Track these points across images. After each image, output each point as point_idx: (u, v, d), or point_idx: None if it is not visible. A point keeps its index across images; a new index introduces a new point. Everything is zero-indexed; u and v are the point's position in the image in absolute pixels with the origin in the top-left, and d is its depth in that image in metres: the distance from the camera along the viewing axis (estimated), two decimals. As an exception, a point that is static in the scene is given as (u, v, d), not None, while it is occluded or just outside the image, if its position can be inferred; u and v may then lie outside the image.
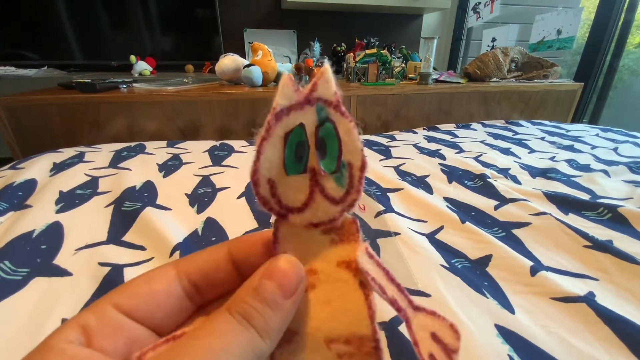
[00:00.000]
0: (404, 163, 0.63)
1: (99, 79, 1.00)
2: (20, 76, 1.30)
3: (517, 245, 0.38)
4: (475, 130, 0.95)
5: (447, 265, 0.34)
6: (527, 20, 1.61)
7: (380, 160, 0.66)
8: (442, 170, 0.59)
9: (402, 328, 0.26)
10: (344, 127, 0.13)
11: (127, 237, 0.37)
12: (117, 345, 0.12)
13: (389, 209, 0.44)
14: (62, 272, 0.32)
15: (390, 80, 1.29)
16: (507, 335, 0.26)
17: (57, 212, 0.41)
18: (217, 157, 0.63)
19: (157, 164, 0.58)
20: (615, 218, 0.43)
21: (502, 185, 0.52)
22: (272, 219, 0.14)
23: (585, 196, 0.51)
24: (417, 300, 0.14)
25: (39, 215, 0.40)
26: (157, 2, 1.55)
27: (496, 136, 0.87)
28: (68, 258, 0.34)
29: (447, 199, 0.50)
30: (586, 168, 0.63)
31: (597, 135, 0.88)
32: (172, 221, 0.40)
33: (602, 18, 1.33)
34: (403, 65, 1.38)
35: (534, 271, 0.32)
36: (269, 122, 0.12)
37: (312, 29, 1.80)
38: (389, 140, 0.81)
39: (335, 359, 0.13)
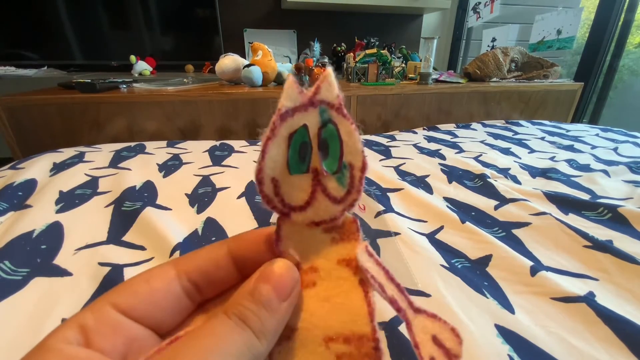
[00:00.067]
0: (404, 163, 0.63)
1: (99, 79, 1.00)
2: (20, 76, 1.30)
3: (517, 245, 0.38)
4: (475, 130, 0.95)
5: (447, 265, 0.34)
6: (527, 20, 1.61)
7: (380, 160, 0.66)
8: (442, 170, 0.59)
9: (402, 328, 0.26)
10: (345, 128, 0.13)
11: (127, 237, 0.37)
12: (116, 345, 0.12)
13: (389, 209, 0.44)
14: (62, 272, 0.32)
15: (390, 80, 1.29)
16: (507, 335, 0.26)
17: (57, 212, 0.41)
18: (217, 157, 0.63)
19: (157, 164, 0.58)
20: (615, 218, 0.43)
21: (502, 185, 0.52)
22: (273, 218, 0.14)
23: (585, 196, 0.51)
24: (417, 300, 0.14)
25: (39, 215, 0.40)
26: (157, 2, 1.55)
27: (496, 136, 0.87)
28: (68, 258, 0.34)
29: (447, 199, 0.50)
30: (586, 168, 0.63)
31: (597, 135, 0.88)
32: (172, 221, 0.40)
33: (602, 18, 1.33)
34: (403, 65, 1.38)
35: (534, 271, 0.32)
36: (274, 123, 0.13)
37: (312, 29, 1.80)
38: (389, 140, 0.81)
39: (334, 359, 0.13)
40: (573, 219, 0.44)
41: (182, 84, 1.08)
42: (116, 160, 0.59)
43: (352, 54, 1.39)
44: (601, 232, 0.40)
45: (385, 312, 0.27)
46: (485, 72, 1.35)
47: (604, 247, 0.36)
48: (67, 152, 0.61)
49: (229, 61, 1.09)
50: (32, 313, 0.27)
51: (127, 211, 0.41)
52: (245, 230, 0.16)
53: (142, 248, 0.36)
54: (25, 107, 0.88)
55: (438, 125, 0.99)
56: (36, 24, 1.42)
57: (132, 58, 1.42)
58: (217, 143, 0.73)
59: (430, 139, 0.82)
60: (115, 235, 0.38)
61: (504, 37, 1.64)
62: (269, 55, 1.10)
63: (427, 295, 0.29)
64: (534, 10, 1.66)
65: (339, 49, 1.71)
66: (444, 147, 0.74)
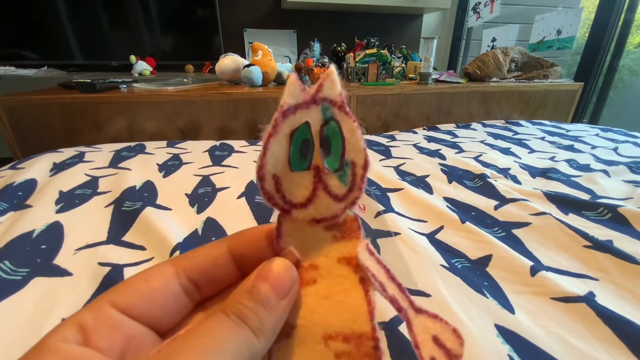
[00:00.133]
0: (404, 163, 0.63)
1: (99, 79, 1.00)
2: (20, 76, 1.30)
3: (517, 245, 0.38)
4: (475, 130, 0.95)
5: (447, 265, 0.34)
6: (527, 20, 1.61)
7: (380, 160, 0.66)
8: (442, 170, 0.59)
9: (402, 328, 0.26)
10: (347, 126, 0.13)
11: (127, 237, 0.37)
12: (114, 343, 0.12)
13: (389, 209, 0.44)
14: (62, 272, 0.32)
15: (390, 80, 1.29)
16: (507, 335, 0.26)
17: (57, 212, 0.41)
18: (217, 157, 0.63)
19: (157, 164, 0.58)
20: (615, 218, 0.43)
21: (502, 185, 0.52)
22: (274, 218, 0.14)
23: (585, 196, 0.51)
24: (417, 300, 0.13)
25: (39, 215, 0.40)
26: (157, 2, 1.55)
27: (496, 136, 0.87)
28: (68, 258, 0.34)
29: (447, 199, 0.50)
30: (586, 168, 0.63)
31: (597, 135, 0.88)
32: (172, 221, 0.40)
33: (602, 18, 1.33)
34: (403, 65, 1.38)
35: (534, 271, 0.32)
36: (276, 120, 0.13)
37: (312, 29, 1.80)
38: (389, 140, 0.81)
39: (332, 358, 0.13)
40: (573, 219, 0.44)
41: (182, 84, 1.08)
42: (116, 160, 0.59)
43: (352, 54, 1.39)
44: (601, 232, 0.40)
45: (386, 312, 0.27)
46: (485, 72, 1.35)
47: (604, 247, 0.36)
48: (67, 152, 0.61)
49: (229, 61, 1.09)
50: (32, 313, 0.27)
51: (127, 211, 0.41)
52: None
53: (142, 248, 0.36)
54: (25, 107, 0.88)
55: (438, 125, 0.99)
56: (36, 24, 1.42)
57: (132, 58, 1.42)
58: (217, 143, 0.73)
59: (430, 139, 0.82)
60: (115, 235, 0.38)
61: (504, 37, 1.64)
62: (269, 55, 1.10)
63: (427, 295, 0.29)
64: (534, 10, 1.66)
65: (339, 49, 1.70)
66: (444, 147, 0.74)
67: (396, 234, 0.38)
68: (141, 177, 0.51)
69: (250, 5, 1.74)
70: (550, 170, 0.60)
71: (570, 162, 0.66)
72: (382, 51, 1.33)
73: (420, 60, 1.34)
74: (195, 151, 0.66)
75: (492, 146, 0.77)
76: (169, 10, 1.59)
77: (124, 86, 1.05)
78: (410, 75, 1.40)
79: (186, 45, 1.69)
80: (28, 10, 1.39)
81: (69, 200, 0.44)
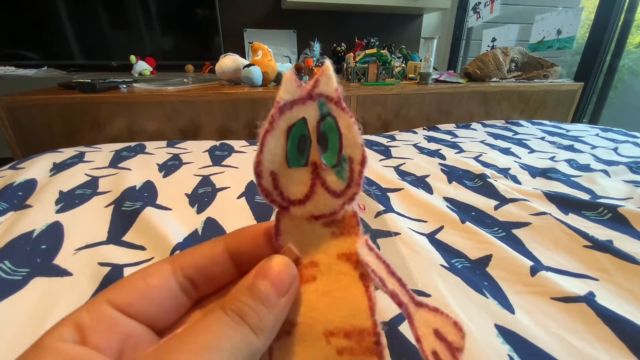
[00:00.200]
0: (404, 163, 0.63)
1: (99, 79, 1.00)
2: (20, 76, 1.30)
3: (517, 245, 0.38)
4: (475, 130, 0.95)
5: (447, 265, 0.34)
6: (527, 20, 1.61)
7: (380, 160, 0.66)
8: (442, 170, 0.59)
9: (403, 328, 0.26)
10: (344, 122, 0.13)
11: (127, 237, 0.37)
12: (111, 342, 0.12)
13: (389, 209, 0.44)
14: (62, 272, 0.32)
15: (390, 80, 1.29)
16: (507, 335, 0.26)
17: (57, 212, 0.41)
18: (217, 157, 0.63)
19: (157, 164, 0.58)
20: (615, 218, 0.43)
21: (502, 185, 0.52)
22: (274, 217, 0.14)
23: (585, 196, 0.51)
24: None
25: (39, 215, 0.40)
26: (157, 2, 1.55)
27: (496, 136, 0.87)
28: (68, 258, 0.34)
29: (447, 199, 0.50)
30: (586, 168, 0.63)
31: (597, 135, 0.88)
32: (172, 221, 0.40)
33: (602, 18, 1.33)
34: (403, 65, 1.38)
35: (534, 271, 0.32)
36: (273, 116, 0.13)
37: (312, 29, 1.80)
38: (389, 140, 0.81)
39: (334, 355, 0.13)
40: (573, 219, 0.44)
41: (182, 84, 1.08)
42: (116, 160, 0.59)
43: (352, 54, 1.39)
44: (601, 232, 0.40)
45: (386, 311, 0.27)
46: (485, 72, 1.35)
47: (604, 247, 0.36)
48: (67, 152, 0.61)
49: (229, 61, 1.09)
50: (32, 313, 0.27)
51: (127, 211, 0.41)
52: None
53: (142, 248, 0.36)
54: (25, 107, 0.88)
55: (438, 125, 0.99)
56: (36, 24, 1.42)
57: (132, 58, 1.42)
58: (217, 143, 0.73)
59: (430, 139, 0.82)
60: (115, 235, 0.38)
61: (504, 37, 1.64)
62: (269, 55, 1.10)
63: (427, 295, 0.29)
64: (534, 10, 1.66)
65: (339, 49, 1.70)
66: (444, 147, 0.74)
67: (396, 234, 0.38)
68: (141, 177, 0.51)
69: (250, 5, 1.74)
70: (550, 170, 0.60)
71: (570, 162, 0.66)
72: (382, 51, 1.33)
73: (420, 60, 1.34)
74: (195, 151, 0.66)
75: (492, 146, 0.77)
76: (169, 10, 1.59)
77: (124, 86, 1.05)
78: (410, 75, 1.40)
79: (186, 45, 1.69)
80: (28, 10, 1.39)
81: (69, 200, 0.44)
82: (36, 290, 0.29)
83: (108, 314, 0.12)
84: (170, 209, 0.43)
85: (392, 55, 1.52)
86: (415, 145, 0.76)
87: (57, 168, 0.53)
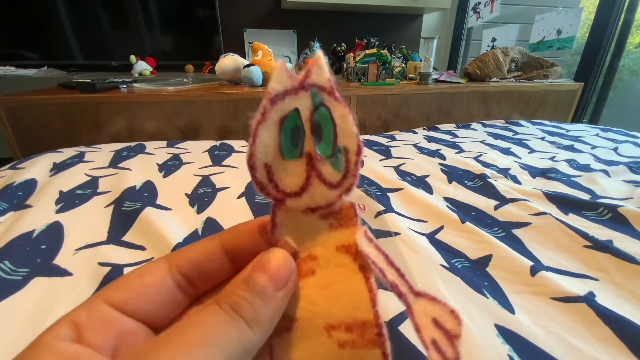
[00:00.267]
0: (404, 163, 0.63)
1: (99, 79, 1.00)
2: (20, 76, 1.30)
3: (517, 245, 0.38)
4: (475, 130, 0.95)
5: (447, 265, 0.34)
6: (527, 20, 1.61)
7: (380, 160, 0.66)
8: (442, 170, 0.59)
9: (403, 328, 0.26)
10: (338, 112, 0.13)
11: (127, 237, 0.37)
12: (107, 339, 0.12)
13: (389, 209, 0.44)
14: (62, 272, 0.32)
15: (390, 80, 1.29)
16: (507, 335, 0.26)
17: (57, 212, 0.41)
18: (217, 157, 0.63)
19: (157, 164, 0.58)
20: (615, 218, 0.43)
21: (502, 185, 0.52)
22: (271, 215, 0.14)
23: (585, 196, 0.51)
24: None
25: (39, 215, 0.40)
26: (157, 2, 1.55)
27: (496, 136, 0.87)
28: (68, 258, 0.34)
29: (447, 199, 0.50)
30: (586, 168, 0.63)
31: (597, 135, 0.88)
32: (172, 221, 0.40)
33: (602, 18, 1.33)
34: (403, 65, 1.38)
35: (534, 271, 0.32)
36: (264, 107, 0.12)
37: (312, 29, 1.80)
38: (389, 140, 0.81)
39: (336, 348, 0.13)
40: (573, 219, 0.44)
41: (182, 84, 1.08)
42: (116, 160, 0.59)
43: (352, 54, 1.39)
44: (601, 232, 0.40)
45: (386, 311, 0.27)
46: (485, 72, 1.35)
47: (604, 247, 0.36)
48: (67, 152, 0.61)
49: (229, 61, 1.09)
50: (32, 313, 0.27)
51: (127, 211, 0.41)
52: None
53: (142, 248, 0.36)
54: (25, 107, 0.88)
55: (438, 125, 0.99)
56: (36, 24, 1.42)
57: (132, 58, 1.42)
58: (217, 143, 0.73)
59: (430, 139, 0.82)
60: (115, 235, 0.38)
61: (504, 37, 1.64)
62: (269, 55, 1.10)
63: (427, 295, 0.29)
64: (534, 10, 1.66)
65: (339, 49, 1.70)
66: (444, 147, 0.74)
67: (396, 234, 0.38)
68: (141, 177, 0.51)
69: (250, 5, 1.74)
70: (550, 170, 0.60)
71: (570, 162, 0.66)
72: (382, 51, 1.33)
73: (420, 60, 1.34)
74: (195, 151, 0.66)
75: (492, 146, 0.77)
76: (169, 10, 1.59)
77: (124, 86, 1.05)
78: (410, 75, 1.40)
79: (186, 45, 1.69)
80: (28, 10, 1.39)
81: (69, 200, 0.44)
82: (36, 290, 0.29)
83: (105, 312, 0.12)
84: (170, 209, 0.43)
85: (392, 55, 1.52)
86: (415, 145, 0.76)
87: (57, 168, 0.53)
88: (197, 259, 0.14)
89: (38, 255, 0.33)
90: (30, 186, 0.47)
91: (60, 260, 0.33)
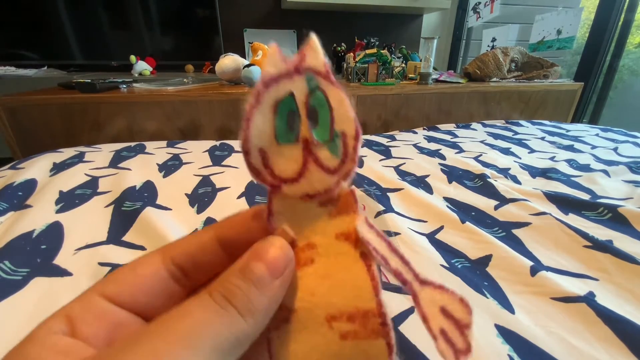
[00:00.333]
0: (404, 163, 0.63)
1: (99, 79, 1.00)
2: (20, 76, 1.30)
3: (517, 245, 0.38)
4: (475, 130, 0.95)
5: (447, 265, 0.34)
6: (527, 20, 1.61)
7: (380, 160, 0.66)
8: (442, 170, 0.59)
9: (403, 327, 0.26)
10: (335, 96, 0.12)
11: (127, 237, 0.37)
12: (100, 331, 0.12)
13: (389, 209, 0.44)
14: (62, 272, 0.32)
15: (390, 80, 1.29)
16: (507, 335, 0.26)
17: (57, 212, 0.41)
18: (217, 157, 0.63)
19: (157, 164, 0.58)
20: (615, 218, 0.43)
21: (502, 185, 0.52)
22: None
23: (585, 196, 0.51)
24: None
25: (39, 215, 0.40)
26: (157, 2, 1.55)
27: (496, 136, 0.87)
28: (68, 258, 0.34)
29: (447, 199, 0.50)
30: (586, 168, 0.63)
31: (597, 135, 0.88)
32: (172, 221, 0.40)
33: (602, 18, 1.33)
34: (403, 65, 1.38)
35: (534, 271, 0.32)
36: (259, 90, 0.12)
37: (312, 29, 1.79)
38: (389, 140, 0.81)
39: (337, 340, 0.12)
40: (573, 219, 0.44)
41: (182, 84, 1.08)
42: (116, 160, 0.59)
43: (352, 54, 1.39)
44: (601, 232, 0.40)
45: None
46: (485, 72, 1.35)
47: (604, 247, 0.36)
48: (67, 152, 0.61)
49: (229, 61, 1.09)
50: (32, 313, 0.27)
51: (127, 211, 0.41)
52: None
53: (142, 248, 0.36)
54: (25, 107, 0.88)
55: (438, 125, 0.99)
56: (36, 24, 1.42)
57: (132, 58, 1.42)
58: (217, 143, 0.73)
59: (430, 139, 0.82)
60: (115, 235, 0.38)
61: (504, 37, 1.64)
62: (269, 55, 1.10)
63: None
64: (534, 10, 1.66)
65: (339, 49, 1.70)
66: (444, 147, 0.74)
67: (396, 234, 0.38)
68: (141, 177, 0.51)
69: (250, 5, 1.74)
70: (550, 170, 0.60)
71: (570, 162, 0.66)
72: (382, 51, 1.33)
73: (420, 60, 1.34)
74: (195, 151, 0.66)
75: (492, 146, 0.77)
76: (169, 10, 1.59)
77: (124, 86, 1.05)
78: (410, 75, 1.40)
79: (186, 45, 1.69)
80: (28, 10, 1.39)
81: (69, 200, 0.44)
82: (36, 290, 0.29)
83: (98, 305, 0.12)
84: (170, 209, 0.43)
85: (392, 55, 1.52)
86: (415, 145, 0.76)
87: (57, 168, 0.53)
88: (191, 250, 0.14)
89: (38, 255, 0.33)
90: (30, 186, 0.47)
91: (60, 260, 0.33)
